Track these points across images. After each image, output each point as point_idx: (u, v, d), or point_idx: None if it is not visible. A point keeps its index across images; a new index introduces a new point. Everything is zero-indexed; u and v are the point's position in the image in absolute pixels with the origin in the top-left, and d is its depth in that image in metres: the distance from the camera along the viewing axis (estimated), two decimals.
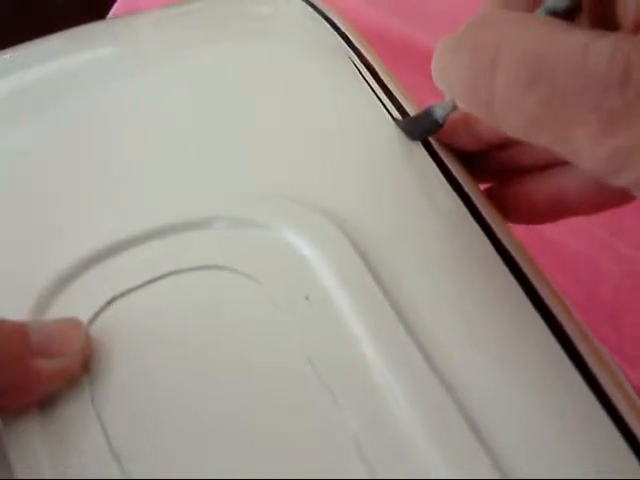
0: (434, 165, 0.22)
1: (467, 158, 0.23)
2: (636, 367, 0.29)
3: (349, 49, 0.26)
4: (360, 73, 0.25)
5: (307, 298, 0.19)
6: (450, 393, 0.17)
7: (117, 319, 0.19)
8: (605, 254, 0.32)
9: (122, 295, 0.19)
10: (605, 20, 0.17)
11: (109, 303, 0.19)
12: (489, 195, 0.23)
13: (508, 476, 0.16)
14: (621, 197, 0.21)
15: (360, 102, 0.24)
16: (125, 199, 0.21)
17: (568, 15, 0.16)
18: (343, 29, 0.27)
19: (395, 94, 0.24)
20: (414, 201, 0.21)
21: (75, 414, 0.17)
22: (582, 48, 0.14)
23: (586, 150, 0.14)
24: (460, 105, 0.17)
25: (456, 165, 0.22)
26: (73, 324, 0.18)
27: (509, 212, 0.22)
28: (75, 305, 0.19)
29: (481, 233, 0.20)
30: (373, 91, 0.24)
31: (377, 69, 0.25)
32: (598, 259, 0.23)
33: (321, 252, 0.19)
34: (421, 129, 0.23)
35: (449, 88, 0.17)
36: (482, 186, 0.23)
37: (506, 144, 0.22)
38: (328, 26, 0.27)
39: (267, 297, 0.19)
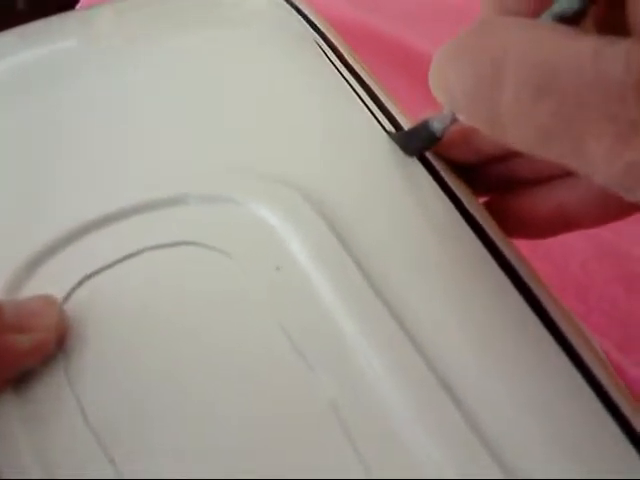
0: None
1: (464, 170, 0.22)
2: (603, 337, 0.30)
3: (324, 44, 0.26)
4: (342, 74, 0.25)
5: (278, 268, 0.19)
6: (422, 354, 0.17)
7: (90, 297, 0.19)
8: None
9: (94, 274, 0.19)
10: (613, 25, 0.16)
11: (81, 282, 0.19)
12: (487, 209, 0.22)
13: (480, 431, 0.16)
14: (628, 209, 0.20)
15: (339, 101, 0.24)
16: (96, 179, 0.22)
17: (573, 20, 0.15)
18: (321, 28, 0.27)
19: (382, 99, 0.24)
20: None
21: (50, 391, 0.18)
22: (594, 55, 0.13)
23: (600, 164, 0.13)
24: (463, 118, 0.16)
25: (454, 179, 0.22)
26: (47, 300, 0.18)
27: (509, 226, 0.21)
28: (48, 285, 0.19)
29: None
30: (360, 97, 0.24)
31: (360, 72, 0.25)
32: (568, 236, 0.24)
33: (291, 225, 0.20)
34: (417, 143, 0.22)
35: (450, 100, 0.16)
36: (479, 200, 0.22)
37: (506, 156, 0.21)
38: (306, 24, 0.28)
39: (238, 269, 0.19)
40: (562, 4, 0.15)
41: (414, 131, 0.22)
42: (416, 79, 0.42)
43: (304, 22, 0.27)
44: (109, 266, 0.20)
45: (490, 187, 0.23)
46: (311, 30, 0.27)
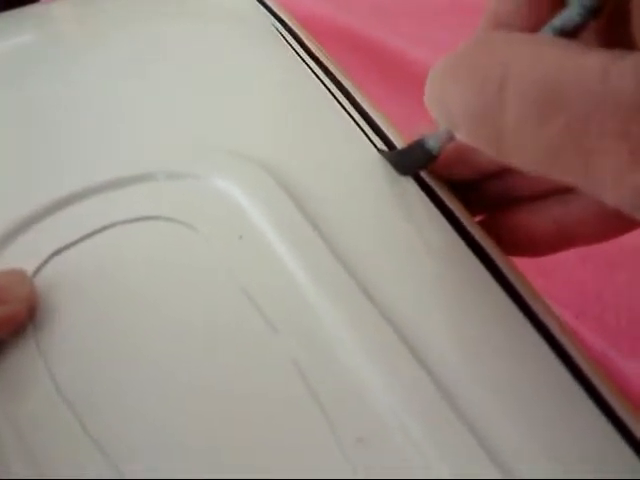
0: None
1: (457, 187, 0.21)
2: (566, 309, 0.31)
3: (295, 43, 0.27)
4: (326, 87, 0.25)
5: (241, 237, 0.20)
6: (383, 313, 0.18)
7: (59, 272, 0.20)
8: None
9: (62, 250, 0.20)
10: (615, 38, 0.16)
11: (50, 258, 0.20)
12: (484, 228, 0.21)
13: (449, 393, 0.17)
14: (629, 224, 0.19)
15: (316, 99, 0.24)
16: (65, 159, 0.22)
17: (573, 34, 0.15)
18: (288, 22, 0.28)
19: (351, 92, 0.24)
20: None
21: (22, 362, 0.18)
22: (601, 70, 0.12)
23: (610, 183, 0.13)
24: (464, 138, 0.15)
25: (450, 197, 0.21)
26: (17, 273, 0.19)
27: (505, 245, 0.20)
28: (18, 260, 0.20)
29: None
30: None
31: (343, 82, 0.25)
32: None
33: (254, 198, 0.20)
34: (412, 162, 0.21)
35: (449, 119, 0.15)
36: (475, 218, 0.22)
37: (501, 172, 0.21)
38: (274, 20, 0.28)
39: (202, 240, 0.20)
40: (563, 18, 0.15)
41: (408, 150, 0.21)
42: (387, 75, 0.43)
43: (270, 15, 0.28)
44: (78, 241, 0.20)
45: (485, 204, 0.22)
46: (277, 23, 0.28)
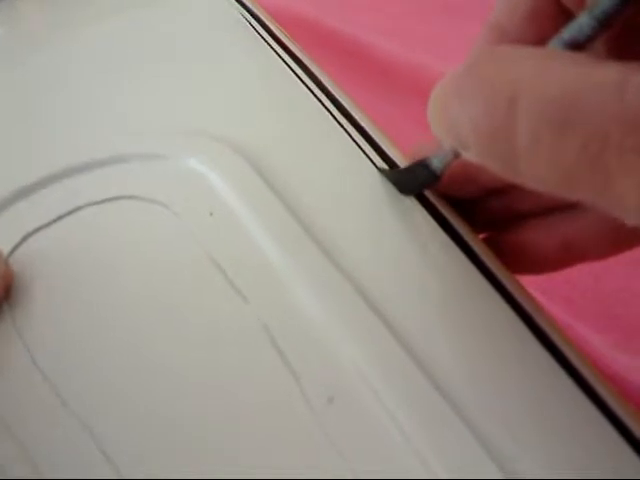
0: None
1: (461, 206, 0.21)
2: (549, 296, 0.31)
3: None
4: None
5: (211, 214, 0.20)
6: (351, 281, 0.18)
7: (33, 253, 0.20)
8: None
9: (36, 231, 0.20)
10: (626, 50, 0.15)
11: (24, 240, 0.20)
12: (488, 246, 0.20)
13: (422, 364, 0.17)
14: (639, 239, 0.19)
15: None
16: (38, 143, 0.23)
17: (582, 47, 0.14)
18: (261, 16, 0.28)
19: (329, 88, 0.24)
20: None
21: None
22: (618, 85, 0.12)
23: (632, 202, 0.12)
24: (473, 158, 0.15)
25: (453, 214, 0.21)
26: None
27: (510, 263, 0.20)
28: None
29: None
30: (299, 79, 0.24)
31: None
32: None
33: (224, 176, 0.21)
34: (415, 183, 0.20)
35: (457, 139, 0.15)
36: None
37: (506, 189, 0.20)
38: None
39: (173, 216, 0.20)
40: (572, 30, 0.14)
41: (411, 170, 0.20)
42: (354, 65, 0.43)
43: (239, 6, 0.29)
44: (51, 222, 0.21)
45: (488, 221, 0.21)
46: (246, 13, 0.28)
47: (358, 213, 0.20)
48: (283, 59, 0.25)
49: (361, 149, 0.22)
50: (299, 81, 0.24)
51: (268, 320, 0.18)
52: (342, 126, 0.23)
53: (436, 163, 0.19)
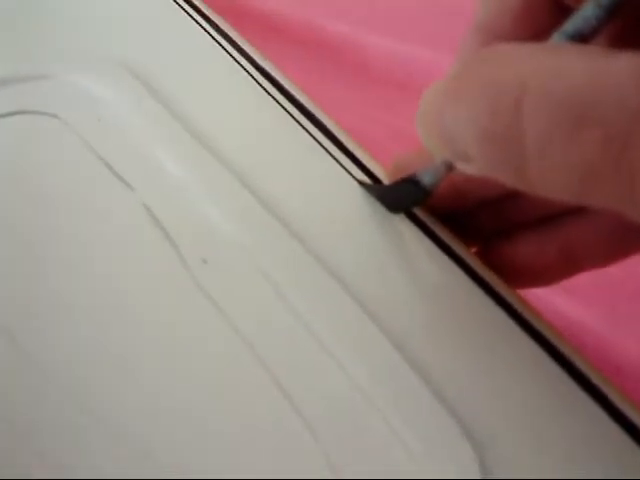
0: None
1: (451, 219, 0.20)
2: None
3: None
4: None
5: (99, 120, 0.21)
6: (279, 220, 0.19)
7: None
8: None
9: None
10: (631, 41, 0.15)
11: None
12: (482, 260, 0.19)
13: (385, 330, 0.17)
14: None
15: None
16: None
17: (586, 40, 0.13)
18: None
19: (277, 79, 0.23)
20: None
21: None
22: (634, 76, 0.11)
23: None
24: (475, 169, 0.13)
25: (445, 230, 0.19)
26: None
27: (509, 277, 0.18)
28: None
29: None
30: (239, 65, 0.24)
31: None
32: None
33: (114, 91, 0.22)
34: (404, 200, 0.19)
35: (454, 149, 0.13)
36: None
37: (498, 199, 0.19)
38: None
39: (63, 125, 0.21)
40: (576, 22, 0.13)
41: (399, 186, 0.18)
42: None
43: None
44: None
45: (480, 235, 0.20)
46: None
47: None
48: (213, 36, 0.24)
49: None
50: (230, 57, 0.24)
51: (151, 202, 0.19)
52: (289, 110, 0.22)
53: (427, 179, 0.17)
